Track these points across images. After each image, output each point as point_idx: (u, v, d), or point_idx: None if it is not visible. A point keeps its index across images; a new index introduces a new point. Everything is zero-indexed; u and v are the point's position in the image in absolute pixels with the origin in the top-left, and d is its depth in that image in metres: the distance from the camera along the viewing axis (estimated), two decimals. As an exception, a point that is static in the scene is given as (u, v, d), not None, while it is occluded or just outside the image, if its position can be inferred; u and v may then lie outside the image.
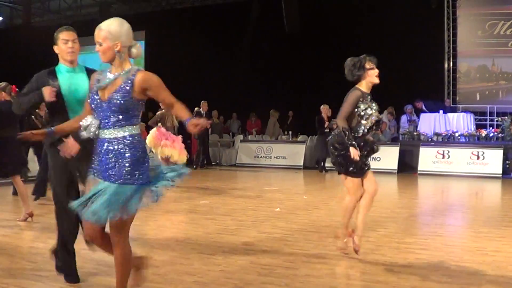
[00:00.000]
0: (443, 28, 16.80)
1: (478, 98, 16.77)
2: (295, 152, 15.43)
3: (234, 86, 18.36)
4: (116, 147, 3.28)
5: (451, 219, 7.81)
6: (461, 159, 13.31)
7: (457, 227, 7.21)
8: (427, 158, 13.63)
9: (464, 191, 11.24)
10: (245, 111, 18.15)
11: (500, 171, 12.84)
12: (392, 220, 7.20)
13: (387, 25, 15.92)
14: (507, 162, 13.03)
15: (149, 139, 9.26)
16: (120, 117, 3.28)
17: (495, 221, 7.24)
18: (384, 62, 17.99)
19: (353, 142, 4.76)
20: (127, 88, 3.25)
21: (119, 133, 3.29)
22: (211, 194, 9.80)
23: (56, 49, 4.30)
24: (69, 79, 4.26)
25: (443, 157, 13.51)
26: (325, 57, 17.40)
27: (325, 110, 13.94)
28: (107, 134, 3.30)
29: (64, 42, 4.23)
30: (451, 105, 16.34)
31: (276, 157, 15.61)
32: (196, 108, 15.08)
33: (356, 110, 4.87)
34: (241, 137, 17.02)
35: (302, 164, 15.14)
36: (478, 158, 13.16)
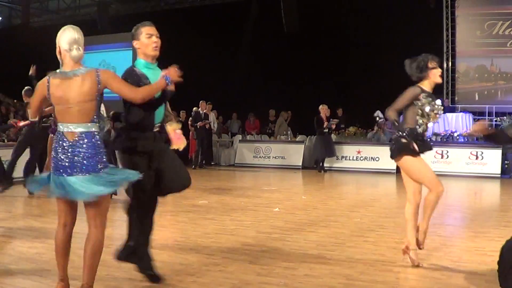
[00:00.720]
0: (441, 28, 16.82)
1: (477, 98, 16.79)
2: (294, 152, 15.43)
3: (233, 86, 18.36)
4: None
5: (450, 219, 7.81)
6: (460, 159, 13.32)
7: (456, 227, 7.21)
8: (426, 158, 13.60)
9: (463, 191, 11.24)
10: (244, 111, 18.15)
11: (499, 171, 12.85)
12: (391, 220, 7.20)
13: (386, 25, 15.93)
14: (506, 162, 13.04)
15: None
16: None
17: (494, 221, 7.25)
18: (383, 62, 18.02)
19: (404, 134, 4.66)
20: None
21: None
22: (210, 194, 9.79)
23: (136, 44, 4.11)
24: (154, 75, 4.08)
25: (442, 157, 13.51)
26: (324, 57, 17.43)
27: (324, 110, 13.94)
28: None
29: (148, 36, 4.06)
30: (450, 105, 16.34)
31: (275, 157, 15.60)
32: (194, 108, 15.07)
33: (414, 105, 4.71)
34: (240, 137, 17.03)
35: (301, 164, 15.14)
36: (477, 158, 13.16)
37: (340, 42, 17.34)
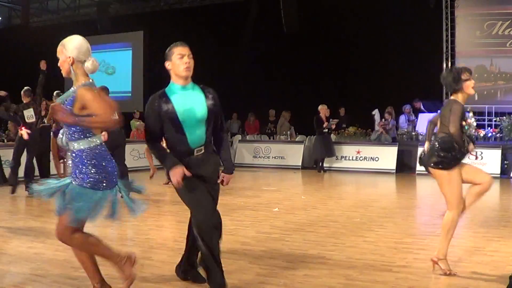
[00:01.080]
0: (441, 28, 16.80)
1: (476, 98, 16.73)
2: (293, 152, 15.43)
3: (233, 86, 18.36)
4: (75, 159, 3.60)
5: (449, 219, 7.79)
6: (459, 159, 13.28)
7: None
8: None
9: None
10: (244, 111, 18.15)
11: (499, 171, 12.84)
12: (391, 220, 7.21)
13: (386, 25, 15.93)
14: (506, 162, 13.04)
15: None
16: (73, 129, 3.58)
17: (493, 221, 7.25)
18: (383, 63, 17.96)
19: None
20: (70, 104, 3.54)
21: (76, 145, 3.59)
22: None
23: (168, 65, 3.95)
24: (184, 98, 3.93)
25: (442, 157, 13.49)
26: (324, 58, 17.44)
27: (323, 110, 13.93)
28: (73, 145, 3.61)
29: (180, 57, 3.89)
30: (450, 105, 16.32)
31: (275, 157, 15.60)
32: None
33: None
34: (239, 137, 17.03)
35: (300, 164, 15.14)
36: (476, 158, 13.09)
37: (340, 42, 17.34)
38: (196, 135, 3.94)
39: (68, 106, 3.51)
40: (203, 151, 3.98)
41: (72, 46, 3.58)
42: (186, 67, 3.91)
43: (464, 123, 4.68)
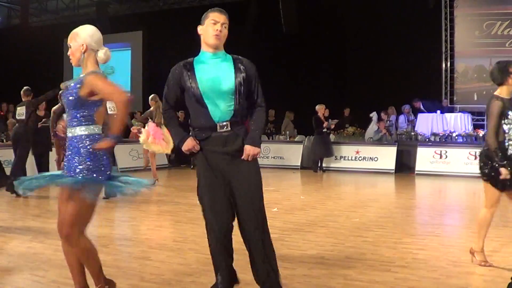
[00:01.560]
0: (440, 28, 16.82)
1: (475, 98, 16.77)
2: (292, 152, 15.43)
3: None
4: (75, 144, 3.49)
5: (448, 219, 7.82)
6: (458, 159, 13.32)
7: (455, 227, 7.22)
8: (425, 158, 13.64)
9: (461, 191, 11.25)
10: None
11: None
12: (390, 220, 7.21)
13: (385, 25, 15.95)
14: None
15: (142, 136, 9.85)
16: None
17: (493, 221, 7.22)
18: (382, 62, 17.94)
19: (503, 163, 4.48)
20: (74, 88, 3.46)
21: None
22: (209, 194, 9.74)
23: (200, 30, 3.68)
24: (210, 68, 3.67)
25: (441, 157, 13.52)
26: (323, 58, 17.45)
27: (321, 110, 13.93)
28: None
29: (213, 23, 3.61)
30: (449, 105, 16.35)
31: (274, 157, 15.60)
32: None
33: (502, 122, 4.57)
34: (238, 137, 17.00)
35: (299, 164, 15.14)
36: (475, 158, 13.15)
37: (340, 42, 17.36)
38: (219, 109, 3.65)
39: (73, 90, 3.44)
40: (228, 128, 3.68)
41: (85, 33, 3.53)
42: (216, 34, 3.61)
43: (504, 121, 4.53)
